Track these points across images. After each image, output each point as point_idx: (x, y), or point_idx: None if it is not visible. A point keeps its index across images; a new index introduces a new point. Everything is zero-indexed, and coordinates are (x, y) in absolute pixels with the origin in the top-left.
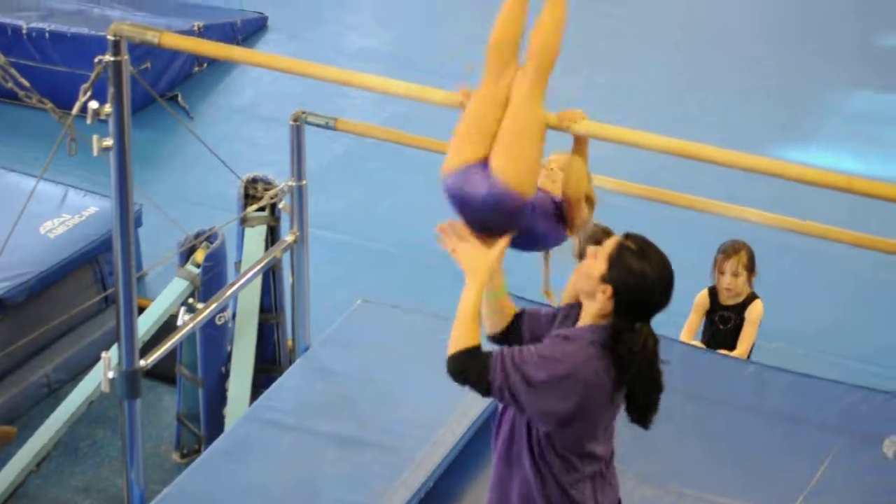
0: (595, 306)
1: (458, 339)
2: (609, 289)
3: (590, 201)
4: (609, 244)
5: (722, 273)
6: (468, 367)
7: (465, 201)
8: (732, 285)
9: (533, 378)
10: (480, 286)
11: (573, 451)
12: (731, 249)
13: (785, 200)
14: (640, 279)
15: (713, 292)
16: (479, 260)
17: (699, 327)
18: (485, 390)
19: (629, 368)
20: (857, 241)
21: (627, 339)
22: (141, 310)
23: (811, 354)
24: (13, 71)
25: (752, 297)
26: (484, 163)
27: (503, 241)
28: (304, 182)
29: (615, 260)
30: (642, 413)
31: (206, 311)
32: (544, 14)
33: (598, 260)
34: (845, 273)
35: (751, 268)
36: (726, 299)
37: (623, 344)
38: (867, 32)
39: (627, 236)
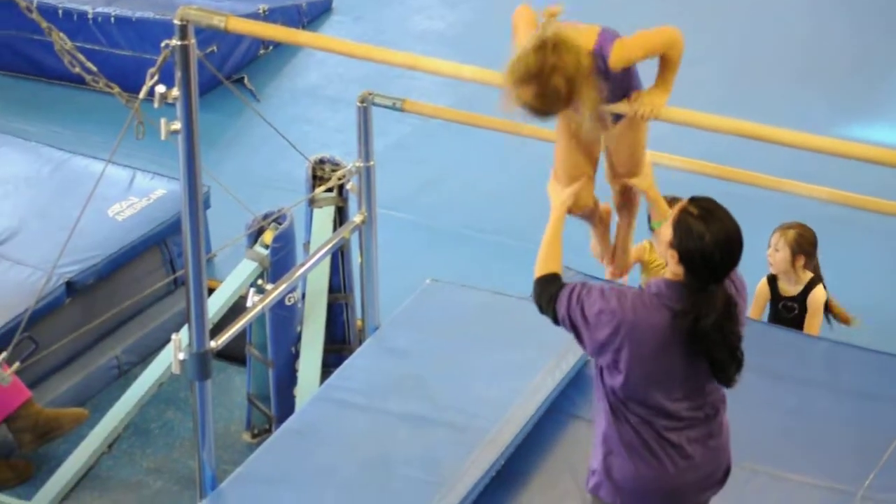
0: (670, 270)
1: (537, 265)
2: (676, 254)
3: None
4: (675, 209)
5: (769, 246)
6: (539, 294)
7: None
8: (772, 258)
9: (588, 311)
10: (557, 220)
11: (638, 400)
12: (782, 226)
13: (847, 178)
14: (699, 241)
15: (772, 281)
16: (555, 196)
17: (763, 315)
18: (553, 318)
19: (697, 328)
20: None
21: (696, 300)
22: (210, 291)
23: (882, 330)
24: (80, 56)
25: (811, 284)
26: None
27: (576, 185)
28: (371, 163)
29: (677, 224)
30: (721, 371)
31: (275, 291)
32: None
33: (666, 226)
34: None
35: (797, 249)
36: (785, 287)
37: (692, 304)
38: None
39: (692, 200)
